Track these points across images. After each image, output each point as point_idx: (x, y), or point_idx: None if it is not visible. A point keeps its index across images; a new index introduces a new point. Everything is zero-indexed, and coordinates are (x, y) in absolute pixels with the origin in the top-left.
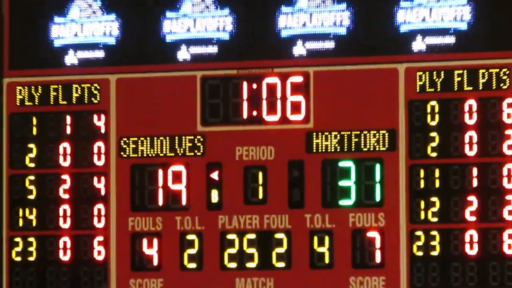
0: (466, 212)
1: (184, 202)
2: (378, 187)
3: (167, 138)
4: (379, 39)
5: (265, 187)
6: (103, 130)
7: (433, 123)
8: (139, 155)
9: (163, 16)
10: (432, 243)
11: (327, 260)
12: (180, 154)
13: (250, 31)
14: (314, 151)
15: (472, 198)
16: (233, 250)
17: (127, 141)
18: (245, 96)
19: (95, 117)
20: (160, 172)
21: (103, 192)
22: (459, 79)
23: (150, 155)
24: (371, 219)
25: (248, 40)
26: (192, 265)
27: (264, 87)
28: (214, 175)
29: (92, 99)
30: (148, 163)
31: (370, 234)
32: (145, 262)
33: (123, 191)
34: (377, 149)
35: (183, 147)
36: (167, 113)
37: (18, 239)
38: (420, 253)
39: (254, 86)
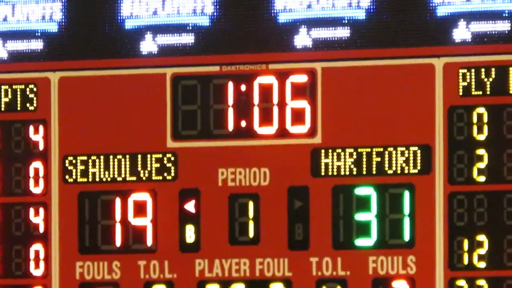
0: None
1: (149, 242)
2: (407, 222)
3: (127, 156)
4: (409, 25)
5: (257, 221)
6: (41, 147)
7: (481, 137)
8: (90, 180)
9: None
10: None
11: None
12: (144, 179)
13: (238, 15)
14: (323, 174)
15: None
16: None
17: (74, 161)
18: (230, 101)
19: (31, 128)
20: (118, 202)
21: (41, 229)
22: None
23: (104, 179)
24: (398, 264)
25: (235, 27)
26: None
27: (256, 89)
28: (190, 206)
29: (27, 105)
30: (101, 190)
31: (397, 284)
32: None
33: (68, 227)
34: (406, 171)
35: (149, 169)
36: (127, 123)
37: None
38: None
39: (243, 87)
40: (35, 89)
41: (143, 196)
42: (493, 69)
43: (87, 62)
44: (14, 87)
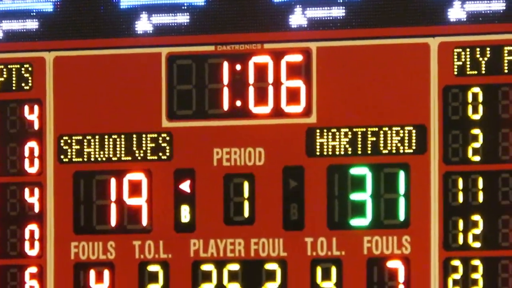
0: None
1: (144, 221)
2: (402, 201)
3: (122, 136)
4: (404, 4)
5: (252, 201)
6: (36, 126)
7: (476, 117)
8: (85, 160)
9: None
10: (474, 275)
11: None
12: (139, 158)
13: None
14: (318, 154)
15: None
16: (209, 286)
17: (69, 141)
18: (226, 80)
19: (26, 108)
20: (113, 182)
21: (37, 209)
22: (511, 57)
23: (99, 159)
24: (392, 244)
25: (230, 6)
26: None
27: (251, 68)
28: (185, 186)
29: (22, 84)
30: (96, 170)
31: (392, 264)
32: None
33: (63, 207)
34: (401, 151)
35: (144, 148)
36: (122, 103)
37: None
38: None
39: (238, 67)
40: (30, 69)
41: (138, 176)
42: (488, 49)
43: (82, 41)
44: (9, 66)
